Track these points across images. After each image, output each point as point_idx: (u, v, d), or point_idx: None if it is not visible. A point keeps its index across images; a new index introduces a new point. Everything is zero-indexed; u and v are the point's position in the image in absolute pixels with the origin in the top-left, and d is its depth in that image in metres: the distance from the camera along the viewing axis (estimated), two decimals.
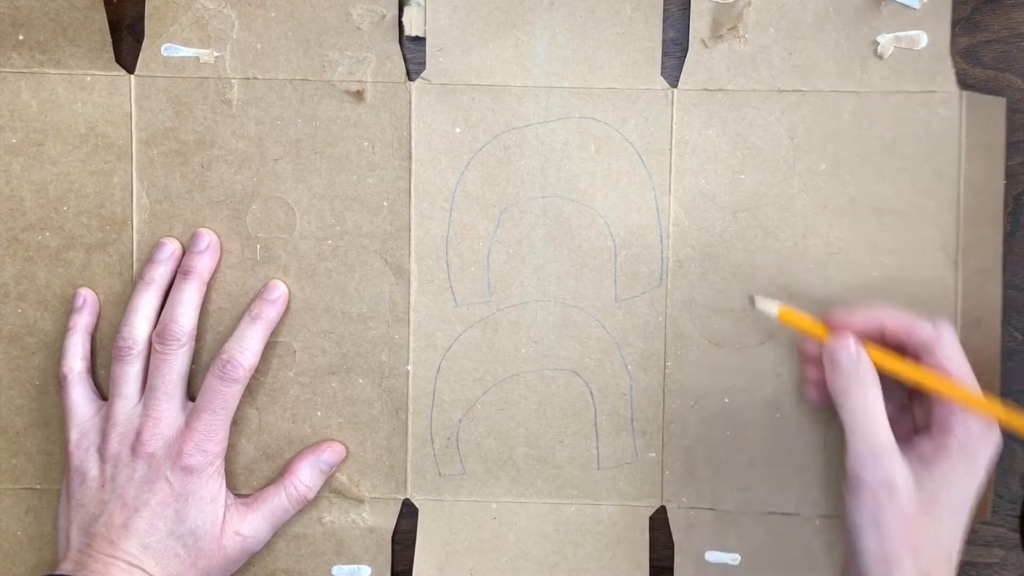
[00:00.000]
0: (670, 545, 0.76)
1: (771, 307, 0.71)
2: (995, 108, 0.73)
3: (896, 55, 0.73)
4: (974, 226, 0.74)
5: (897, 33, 0.73)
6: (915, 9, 0.73)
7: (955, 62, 0.73)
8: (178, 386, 0.72)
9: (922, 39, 0.73)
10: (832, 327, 0.69)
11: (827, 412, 0.74)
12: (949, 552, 0.66)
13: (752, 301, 0.73)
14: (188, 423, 0.71)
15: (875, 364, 0.67)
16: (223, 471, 0.73)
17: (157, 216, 0.74)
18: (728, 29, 0.72)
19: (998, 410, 0.65)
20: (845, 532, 0.67)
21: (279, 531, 0.75)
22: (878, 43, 0.73)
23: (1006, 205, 0.75)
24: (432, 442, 0.76)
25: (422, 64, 0.74)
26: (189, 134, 0.74)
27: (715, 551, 0.76)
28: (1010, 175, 0.74)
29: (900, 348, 0.68)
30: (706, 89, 0.73)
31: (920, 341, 0.67)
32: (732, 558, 0.76)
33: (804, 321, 0.70)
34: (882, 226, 0.74)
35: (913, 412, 0.72)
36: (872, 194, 0.74)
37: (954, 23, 0.73)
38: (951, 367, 0.66)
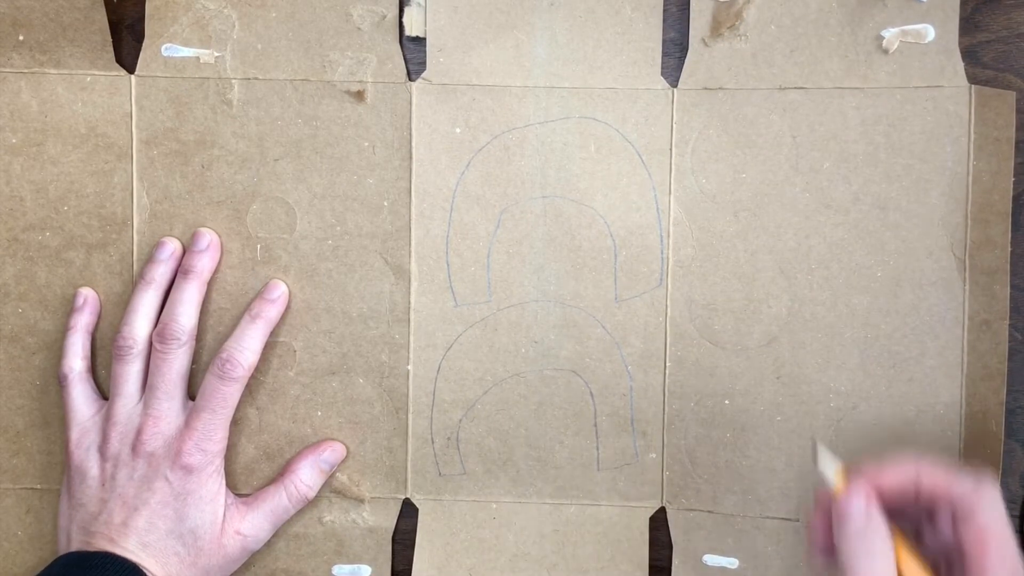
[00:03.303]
0: (670, 546, 0.76)
1: (829, 468, 0.62)
2: (1005, 102, 0.72)
3: (902, 49, 0.72)
4: (982, 225, 0.73)
5: (903, 27, 0.72)
6: (922, 2, 0.72)
7: None
8: (178, 385, 0.72)
9: (929, 33, 0.72)
10: (868, 479, 0.61)
11: (828, 415, 0.74)
12: None
13: (813, 443, 0.66)
14: (188, 422, 0.71)
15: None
16: (223, 470, 0.73)
17: (157, 216, 0.74)
18: (728, 28, 0.72)
19: None
20: None
21: (279, 531, 0.75)
22: (883, 37, 0.72)
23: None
24: (432, 442, 0.76)
25: (422, 64, 0.74)
26: (189, 134, 0.74)
27: (714, 555, 0.76)
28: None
29: (935, 505, 0.61)
30: (706, 88, 0.73)
31: (958, 503, 0.59)
32: (730, 562, 0.75)
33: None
34: (887, 225, 0.73)
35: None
36: (877, 192, 0.73)
37: None
38: (990, 539, 0.58)
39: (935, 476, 0.60)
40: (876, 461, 0.61)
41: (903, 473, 0.61)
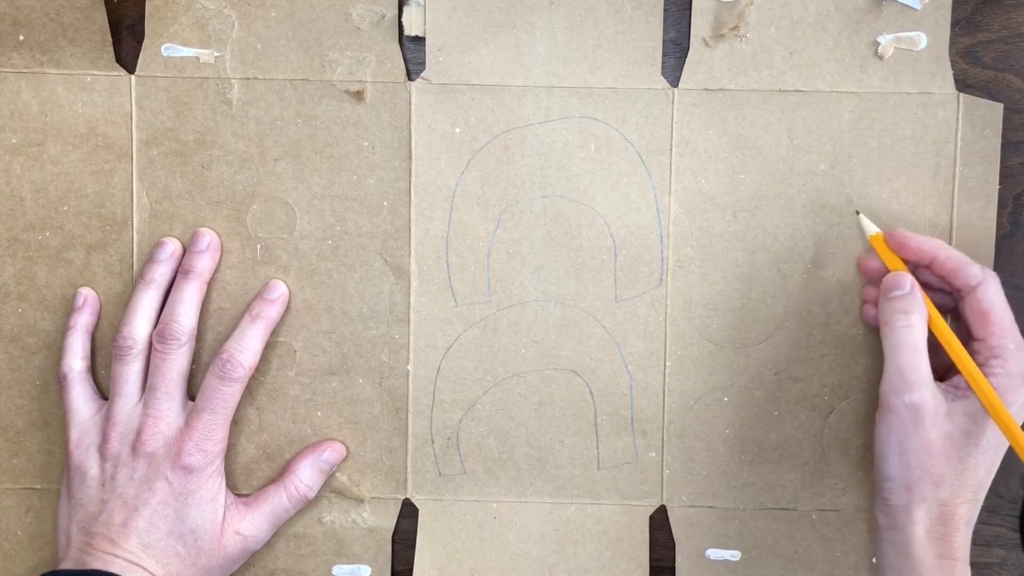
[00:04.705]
0: (670, 544, 0.76)
1: (869, 228, 0.73)
2: (992, 113, 0.73)
3: (896, 56, 0.73)
4: (968, 229, 0.74)
5: (898, 34, 0.73)
6: (916, 10, 0.73)
7: (955, 62, 0.74)
8: (178, 385, 0.72)
9: (922, 40, 0.73)
10: (891, 240, 0.71)
11: (822, 408, 0.75)
12: (974, 489, 0.68)
13: (857, 214, 0.74)
14: (188, 422, 0.71)
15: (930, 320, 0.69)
16: (223, 470, 0.73)
17: (157, 216, 0.74)
18: (730, 28, 0.72)
19: (991, 396, 0.66)
20: (874, 459, 0.70)
21: (279, 531, 0.75)
22: (878, 44, 0.73)
23: (1005, 205, 0.75)
24: (432, 442, 0.76)
25: (422, 64, 0.74)
26: (189, 134, 0.74)
27: (716, 548, 0.76)
28: (1010, 175, 0.75)
29: (946, 285, 0.71)
30: (707, 89, 0.73)
31: (965, 281, 0.69)
32: (732, 554, 0.76)
33: (888, 254, 0.72)
34: (879, 227, 0.73)
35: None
36: (870, 195, 0.74)
37: (954, 23, 0.73)
38: (991, 310, 0.68)
39: (950, 257, 0.70)
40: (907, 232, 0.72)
41: (927, 245, 0.71)
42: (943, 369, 0.70)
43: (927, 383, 0.67)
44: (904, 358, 0.67)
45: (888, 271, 0.71)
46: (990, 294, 0.68)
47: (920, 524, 0.67)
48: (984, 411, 0.66)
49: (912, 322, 0.68)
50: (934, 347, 0.69)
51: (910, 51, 0.73)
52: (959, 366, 0.67)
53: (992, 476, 0.68)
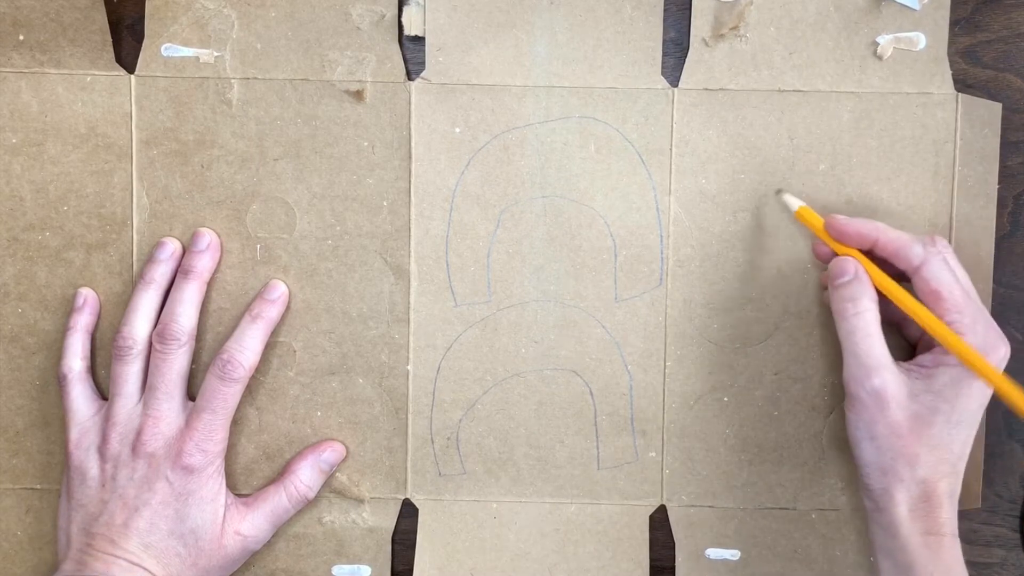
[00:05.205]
0: (670, 544, 0.76)
1: (793, 203, 0.73)
2: (991, 112, 0.74)
3: (895, 56, 0.73)
4: (967, 228, 0.74)
5: (897, 34, 0.73)
6: (915, 10, 0.73)
7: (955, 62, 0.74)
8: (178, 385, 0.72)
9: (921, 41, 0.73)
10: (830, 230, 0.70)
11: (822, 408, 0.76)
12: (953, 463, 0.68)
13: (778, 192, 0.74)
14: (188, 423, 0.71)
15: (877, 285, 0.69)
16: (223, 471, 0.73)
17: (157, 216, 0.74)
18: (730, 28, 0.72)
19: (968, 352, 0.66)
20: (850, 447, 0.70)
21: (279, 531, 0.75)
22: (878, 44, 0.73)
23: (1005, 205, 0.75)
24: (432, 442, 0.76)
25: (422, 64, 0.74)
26: (189, 134, 0.74)
27: (715, 548, 0.76)
28: (1010, 175, 0.75)
29: (891, 266, 0.70)
30: (707, 89, 0.73)
31: (908, 263, 0.68)
32: (732, 554, 0.76)
33: (818, 225, 0.71)
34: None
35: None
36: (869, 195, 0.74)
37: (954, 23, 0.74)
38: (939, 288, 0.67)
39: (890, 240, 0.69)
40: (846, 217, 0.71)
41: (866, 229, 0.70)
42: (911, 345, 0.72)
43: (886, 367, 0.67)
44: (859, 345, 0.68)
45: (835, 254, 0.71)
46: (935, 272, 0.67)
47: (903, 504, 0.67)
48: (951, 386, 0.66)
49: (861, 308, 0.68)
50: (900, 323, 0.70)
51: (909, 51, 0.73)
52: (930, 331, 0.67)
53: (969, 447, 0.68)
